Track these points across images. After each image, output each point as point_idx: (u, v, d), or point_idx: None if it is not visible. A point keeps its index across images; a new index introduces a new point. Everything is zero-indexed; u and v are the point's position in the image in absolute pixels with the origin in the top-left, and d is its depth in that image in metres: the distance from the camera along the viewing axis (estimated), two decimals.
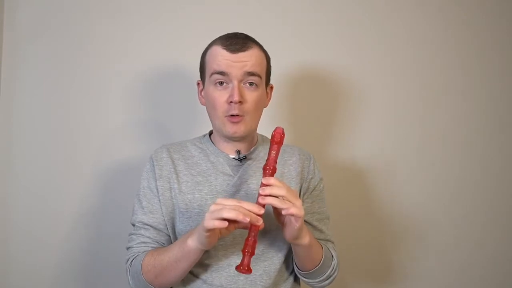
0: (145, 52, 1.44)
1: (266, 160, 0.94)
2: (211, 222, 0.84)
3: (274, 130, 0.96)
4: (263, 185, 0.90)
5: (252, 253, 0.88)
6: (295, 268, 1.07)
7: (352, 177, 1.54)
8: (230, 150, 1.08)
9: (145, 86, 1.45)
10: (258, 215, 0.86)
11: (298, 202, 0.89)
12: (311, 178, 1.12)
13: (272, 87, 1.13)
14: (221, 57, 1.00)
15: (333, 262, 1.06)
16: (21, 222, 1.40)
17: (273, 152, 0.95)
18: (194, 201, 1.03)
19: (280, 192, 0.88)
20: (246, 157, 1.08)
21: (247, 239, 0.89)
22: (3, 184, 1.40)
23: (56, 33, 1.41)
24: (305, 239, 0.96)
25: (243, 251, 0.88)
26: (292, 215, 0.88)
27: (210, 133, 1.14)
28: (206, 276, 1.01)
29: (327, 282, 1.06)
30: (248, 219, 0.84)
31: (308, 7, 1.52)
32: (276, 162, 0.94)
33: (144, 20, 1.44)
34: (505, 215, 1.61)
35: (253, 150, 1.10)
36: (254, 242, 0.89)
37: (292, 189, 0.95)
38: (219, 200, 0.88)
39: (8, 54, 1.39)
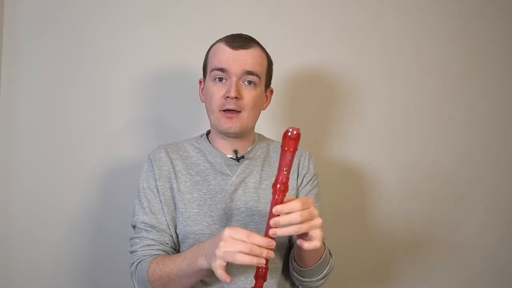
0: (146, 52, 1.44)
1: (276, 176, 0.81)
2: (219, 264, 0.81)
3: (288, 137, 0.79)
4: (272, 215, 0.81)
5: (264, 279, 0.86)
6: (294, 266, 1.03)
7: (350, 177, 1.54)
8: (227, 150, 1.09)
9: (146, 86, 1.45)
10: (270, 248, 0.82)
11: (318, 222, 0.83)
12: (305, 173, 1.12)
13: (272, 91, 1.13)
14: (223, 53, 1.02)
15: (331, 260, 1.05)
16: (21, 222, 1.39)
17: (285, 168, 0.79)
18: (193, 201, 1.03)
19: (296, 220, 0.80)
20: (243, 157, 1.08)
21: (258, 269, 0.86)
22: (3, 184, 1.40)
23: (56, 33, 1.41)
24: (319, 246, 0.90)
25: (256, 277, 0.87)
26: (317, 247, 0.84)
27: (208, 133, 1.14)
28: (206, 277, 1.00)
29: (322, 281, 1.05)
30: (263, 261, 0.80)
31: (308, 7, 1.52)
32: (289, 179, 0.81)
33: (145, 20, 1.44)
34: (505, 215, 1.61)
35: (250, 149, 1.10)
36: (266, 269, 0.86)
37: (307, 199, 0.84)
38: (228, 235, 0.81)
39: (8, 54, 1.39)
